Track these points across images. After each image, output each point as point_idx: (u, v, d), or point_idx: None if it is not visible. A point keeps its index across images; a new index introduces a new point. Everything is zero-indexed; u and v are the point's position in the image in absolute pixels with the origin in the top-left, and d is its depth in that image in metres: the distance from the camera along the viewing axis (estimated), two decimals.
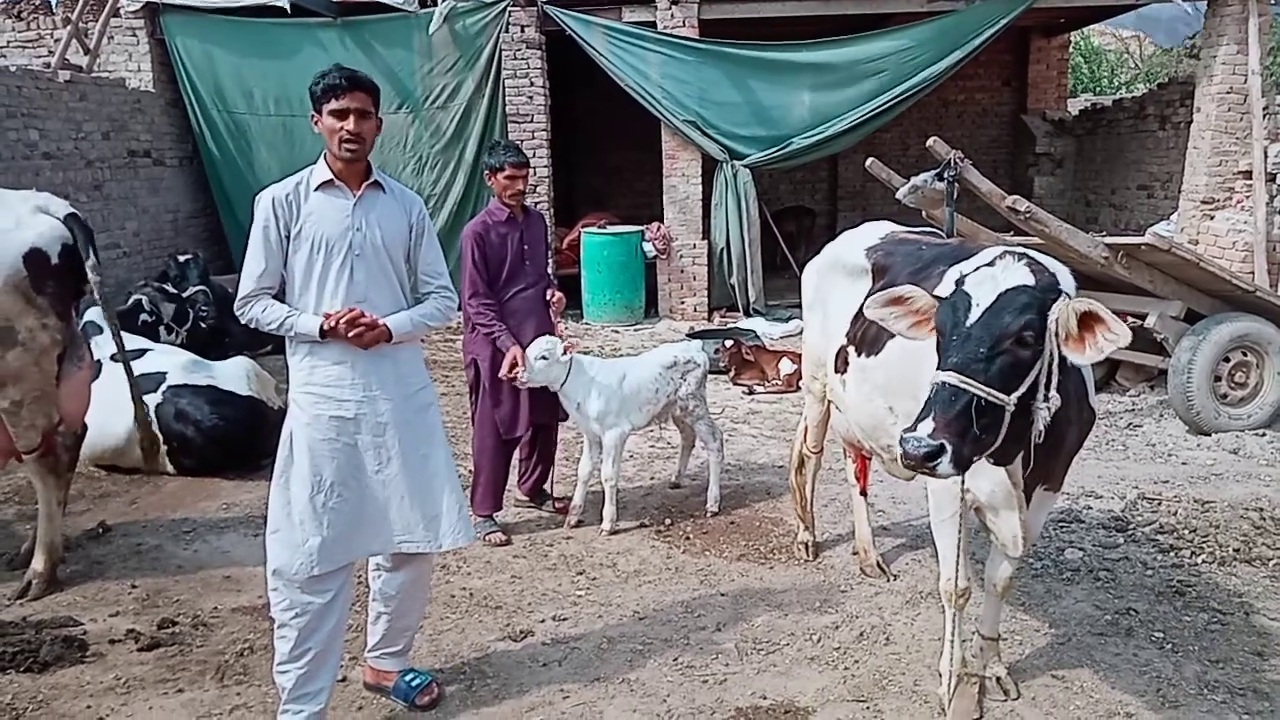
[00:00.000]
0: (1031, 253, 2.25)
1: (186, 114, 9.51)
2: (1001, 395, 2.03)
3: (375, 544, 2.71)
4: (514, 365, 3.96)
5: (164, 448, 4.84)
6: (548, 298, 4.25)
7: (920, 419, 2.03)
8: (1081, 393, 2.50)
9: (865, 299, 2.55)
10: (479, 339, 4.14)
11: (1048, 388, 2.09)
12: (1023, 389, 2.07)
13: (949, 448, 1.98)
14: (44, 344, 3.54)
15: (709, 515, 4.42)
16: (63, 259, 3.59)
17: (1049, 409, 2.09)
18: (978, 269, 2.17)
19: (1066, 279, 2.24)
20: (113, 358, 5.07)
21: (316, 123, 2.64)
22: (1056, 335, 2.08)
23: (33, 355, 3.51)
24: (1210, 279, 5.40)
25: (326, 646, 2.69)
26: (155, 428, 4.57)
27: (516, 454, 4.45)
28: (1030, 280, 2.12)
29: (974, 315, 2.10)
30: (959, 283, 2.18)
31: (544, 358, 3.99)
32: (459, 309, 3.99)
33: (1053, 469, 2.52)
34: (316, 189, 2.64)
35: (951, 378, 2.04)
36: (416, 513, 2.70)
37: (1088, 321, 2.06)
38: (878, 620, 3.41)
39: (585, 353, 4.46)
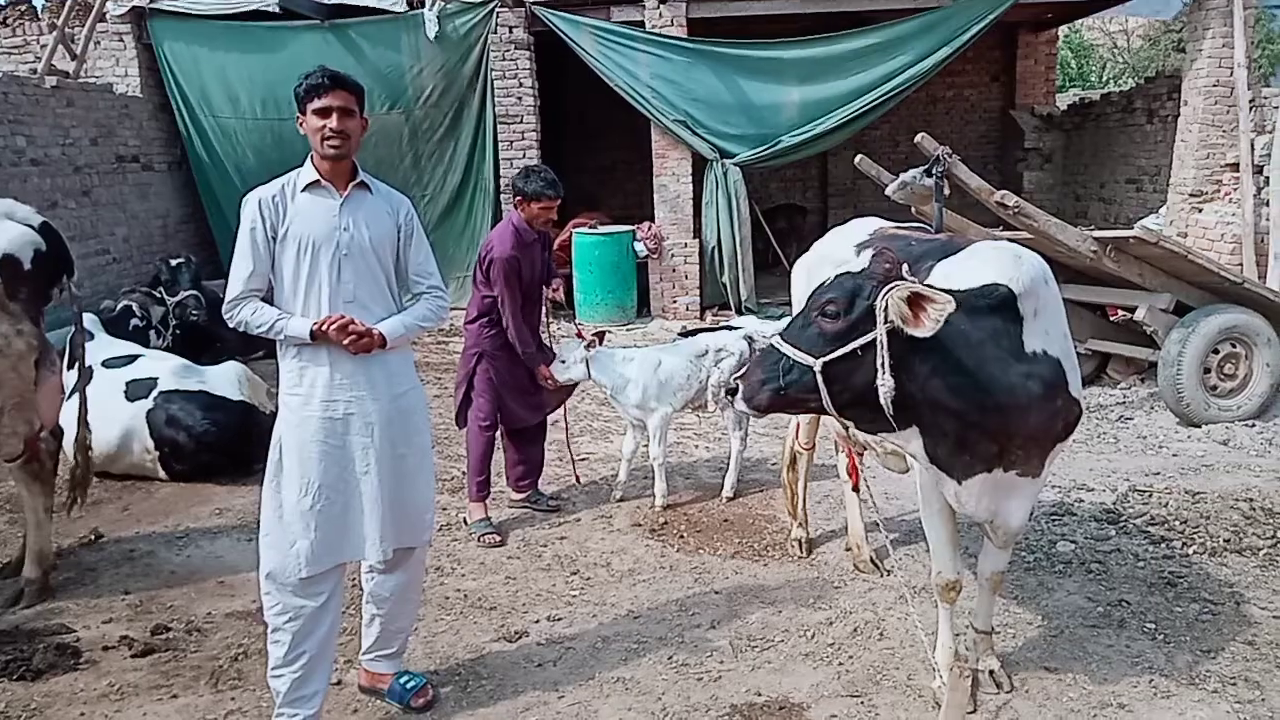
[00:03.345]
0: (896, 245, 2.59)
1: (174, 119, 9.47)
2: (806, 357, 2.36)
3: (363, 548, 2.70)
4: (547, 376, 4.28)
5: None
6: (550, 290, 4.40)
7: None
8: (1053, 381, 2.51)
9: None
10: (488, 335, 4.21)
11: (883, 369, 2.29)
12: (831, 356, 2.35)
13: (740, 388, 2.45)
14: (20, 350, 3.51)
15: (723, 500, 4.59)
16: (35, 264, 3.57)
17: (886, 389, 2.30)
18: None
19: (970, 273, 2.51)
20: (103, 364, 5.08)
21: (301, 124, 2.64)
22: (889, 320, 2.28)
23: (9, 362, 3.49)
24: (1199, 271, 5.43)
25: (320, 650, 2.69)
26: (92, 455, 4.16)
27: (508, 455, 4.48)
28: (856, 269, 2.46)
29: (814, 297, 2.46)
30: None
31: (563, 361, 4.38)
32: (487, 309, 4.17)
33: (1002, 452, 2.53)
34: (303, 190, 2.64)
35: (774, 339, 2.47)
36: (392, 514, 2.70)
37: (917, 301, 2.26)
38: (871, 615, 3.42)
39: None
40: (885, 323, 2.28)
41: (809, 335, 2.40)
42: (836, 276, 2.43)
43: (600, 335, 4.52)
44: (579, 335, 4.46)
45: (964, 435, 2.47)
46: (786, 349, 2.40)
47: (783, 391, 2.40)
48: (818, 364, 2.35)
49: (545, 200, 4.07)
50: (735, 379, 2.47)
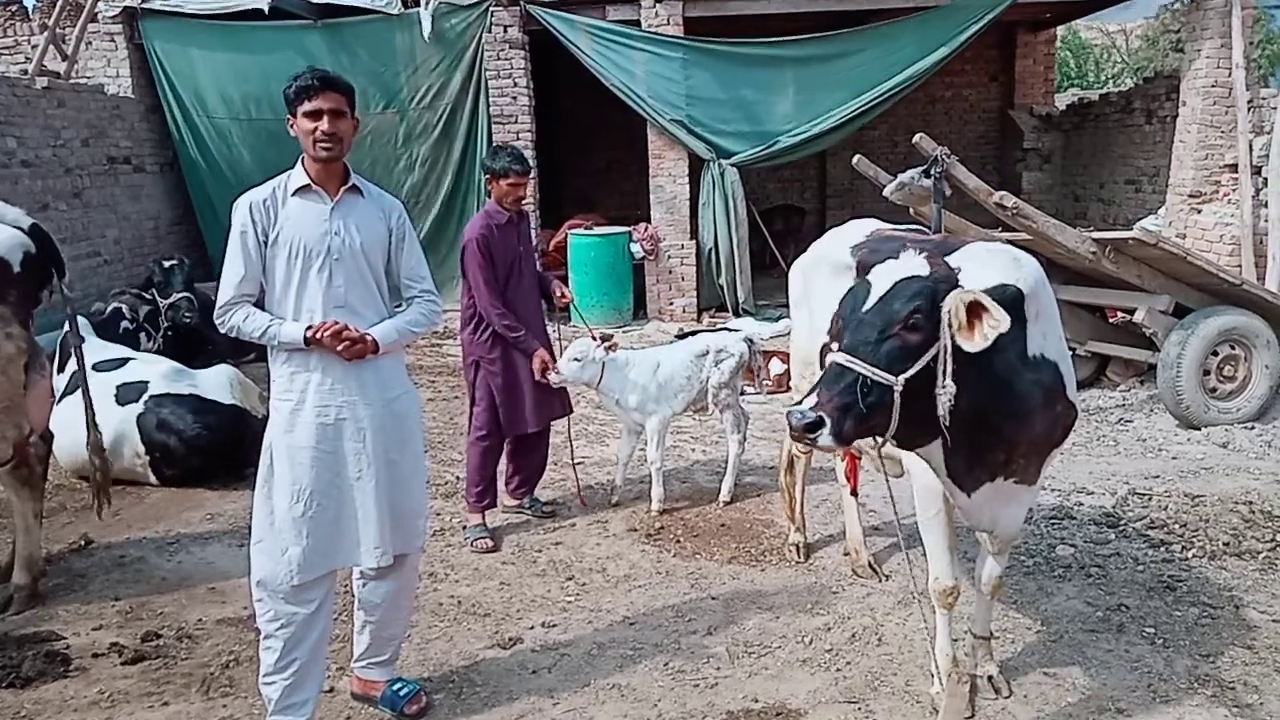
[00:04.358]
0: (936, 248, 2.36)
1: (165, 120, 9.43)
2: (887, 376, 2.14)
3: (355, 554, 2.68)
4: (544, 368, 4.10)
5: (142, 464, 4.73)
6: (554, 294, 4.33)
7: (809, 394, 2.16)
8: (1054, 386, 2.48)
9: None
10: (479, 340, 4.14)
11: (944, 375, 2.18)
12: (911, 372, 2.16)
13: (827, 420, 2.11)
14: (9, 354, 3.48)
15: (721, 504, 4.53)
16: (25, 267, 3.53)
17: (947, 396, 2.18)
18: (884, 261, 2.28)
19: (981, 274, 2.37)
20: (94, 367, 5.04)
21: (292, 125, 2.61)
22: (950, 325, 2.16)
23: None
24: (1198, 273, 5.41)
25: (312, 657, 2.68)
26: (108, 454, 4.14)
27: (506, 462, 4.45)
28: (924, 271, 2.22)
29: (870, 302, 2.22)
30: (865, 274, 2.28)
31: (577, 359, 4.21)
32: (475, 311, 4.10)
33: (1009, 461, 2.50)
34: (294, 194, 2.61)
35: (841, 358, 2.17)
36: (385, 521, 2.67)
37: (975, 310, 2.15)
38: (869, 621, 3.39)
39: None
40: (949, 328, 2.16)
41: (889, 351, 2.15)
42: (900, 281, 2.21)
43: (612, 345, 4.40)
44: (592, 337, 4.35)
45: (981, 444, 2.40)
46: (862, 368, 2.13)
47: (864, 418, 2.14)
48: (899, 382, 2.14)
49: (513, 176, 4.04)
50: (812, 411, 2.12)
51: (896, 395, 2.15)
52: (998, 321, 2.12)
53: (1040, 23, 12.49)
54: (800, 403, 2.15)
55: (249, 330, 2.59)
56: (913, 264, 2.24)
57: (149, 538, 4.30)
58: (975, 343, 2.14)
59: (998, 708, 2.84)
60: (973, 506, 2.57)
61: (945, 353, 2.17)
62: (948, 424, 2.21)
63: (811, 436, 2.11)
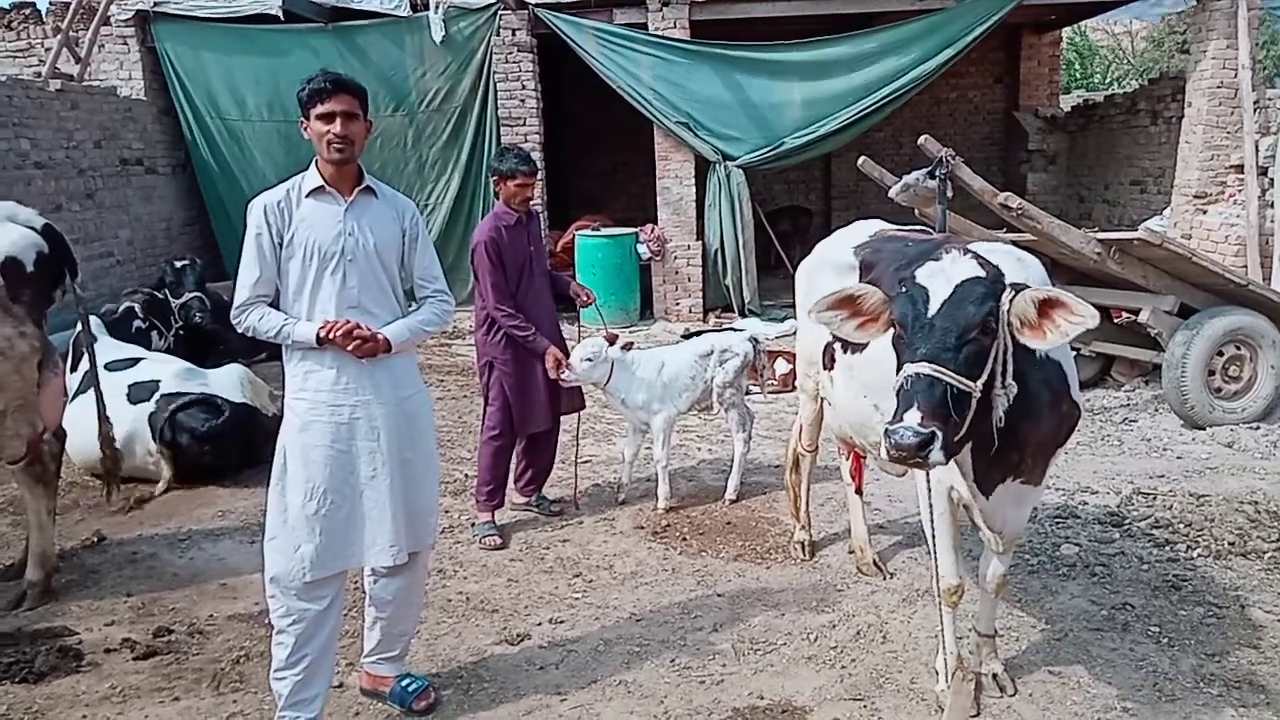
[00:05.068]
0: (974, 247, 2.32)
1: (178, 122, 9.50)
2: (969, 383, 2.08)
3: (368, 554, 2.71)
4: (557, 364, 4.11)
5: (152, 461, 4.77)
6: (576, 297, 4.35)
7: (903, 410, 2.04)
8: (1059, 386, 2.50)
9: None
10: (492, 341, 4.17)
11: (1004, 375, 2.16)
12: (985, 376, 2.11)
13: (939, 435, 2.00)
14: (23, 352, 3.52)
15: (726, 502, 4.56)
16: (38, 267, 3.58)
17: (1007, 396, 2.16)
18: (925, 263, 2.22)
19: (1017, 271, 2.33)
20: (106, 366, 5.09)
21: (305, 128, 2.65)
22: (1010, 324, 2.14)
23: (13, 364, 3.50)
24: (1203, 273, 5.42)
25: (322, 653, 2.70)
26: (120, 445, 4.24)
27: (516, 460, 4.47)
28: (981, 272, 2.17)
29: (934, 307, 2.13)
30: (910, 276, 2.21)
31: (589, 359, 4.22)
32: (486, 311, 4.12)
33: (1021, 461, 2.51)
34: (308, 195, 2.64)
35: (925, 368, 2.07)
36: (400, 519, 2.70)
37: (1047, 309, 2.11)
38: (874, 619, 3.41)
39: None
40: (1009, 324, 2.12)
41: (967, 356, 2.09)
42: (964, 283, 2.13)
43: (629, 345, 4.41)
44: (606, 338, 4.35)
45: (1001, 445, 2.35)
46: (951, 378, 2.05)
47: (957, 429, 2.06)
48: (978, 388, 2.07)
49: (520, 177, 4.07)
50: (922, 427, 2.00)
51: (974, 402, 2.08)
52: (1082, 317, 2.05)
53: (1045, 24, 12.49)
54: (900, 419, 2.02)
55: (264, 330, 2.63)
56: (966, 264, 2.16)
57: (161, 534, 4.33)
58: (1048, 341, 2.09)
59: (1003, 706, 2.86)
60: (990, 508, 2.59)
61: (1007, 353, 2.15)
62: (1001, 425, 2.16)
63: (924, 454, 1.99)
